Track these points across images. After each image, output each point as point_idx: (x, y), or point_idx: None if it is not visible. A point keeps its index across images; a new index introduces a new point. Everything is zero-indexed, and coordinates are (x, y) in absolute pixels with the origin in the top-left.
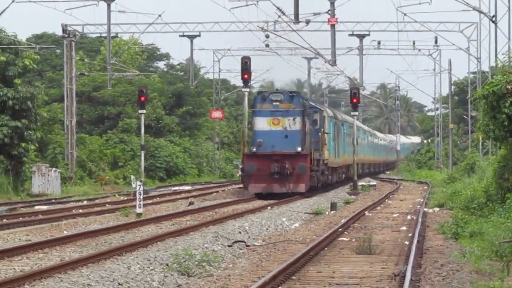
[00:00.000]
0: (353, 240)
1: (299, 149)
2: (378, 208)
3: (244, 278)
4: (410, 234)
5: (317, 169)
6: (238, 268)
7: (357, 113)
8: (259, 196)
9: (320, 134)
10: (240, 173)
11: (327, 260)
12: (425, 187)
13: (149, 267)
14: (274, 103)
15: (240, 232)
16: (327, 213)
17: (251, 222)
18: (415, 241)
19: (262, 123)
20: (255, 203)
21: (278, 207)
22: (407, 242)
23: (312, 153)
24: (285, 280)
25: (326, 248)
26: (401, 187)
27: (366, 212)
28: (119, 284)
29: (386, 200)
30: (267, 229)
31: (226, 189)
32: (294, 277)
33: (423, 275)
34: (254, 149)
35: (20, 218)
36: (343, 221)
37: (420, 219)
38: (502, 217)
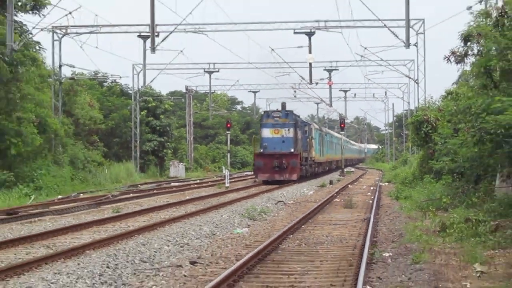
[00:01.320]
0: (342, 200)
1: (292, 150)
2: (355, 183)
3: (283, 220)
4: (373, 197)
5: (305, 164)
6: (280, 216)
7: (343, 132)
8: (265, 182)
9: (308, 140)
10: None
11: (328, 211)
12: (380, 172)
13: (232, 215)
14: (275, 118)
15: (281, 196)
16: (327, 186)
17: (287, 191)
18: (375, 201)
19: (267, 132)
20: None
21: (300, 183)
22: (370, 201)
23: (301, 152)
24: (305, 222)
25: (327, 205)
26: (367, 172)
27: (349, 185)
28: (216, 224)
29: (359, 179)
30: (295, 194)
31: None
32: (310, 220)
33: (380, 219)
34: (262, 150)
35: (163, 190)
36: (336, 190)
37: (378, 189)
38: (422, 188)
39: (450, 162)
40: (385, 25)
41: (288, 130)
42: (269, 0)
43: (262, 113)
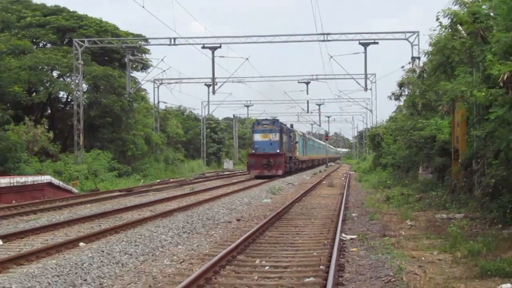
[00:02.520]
0: (326, 182)
1: (278, 150)
2: (334, 172)
3: (292, 194)
4: (345, 180)
5: (290, 162)
6: (290, 191)
7: (327, 141)
8: (257, 177)
9: (292, 143)
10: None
11: (318, 189)
12: (349, 165)
13: (261, 191)
14: (264, 125)
15: (290, 180)
16: (318, 174)
17: (294, 177)
18: (347, 182)
19: (257, 137)
20: (294, 173)
21: (302, 172)
22: (344, 183)
23: (286, 153)
24: (305, 195)
25: (318, 185)
26: (341, 165)
27: (331, 174)
28: (252, 197)
29: (337, 169)
30: (299, 179)
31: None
32: (308, 194)
33: (350, 193)
34: (253, 151)
35: (220, 176)
36: (323, 176)
37: (348, 176)
38: (375, 174)
39: (391, 159)
40: (352, 77)
41: (275, 134)
42: (283, 58)
43: (254, 121)
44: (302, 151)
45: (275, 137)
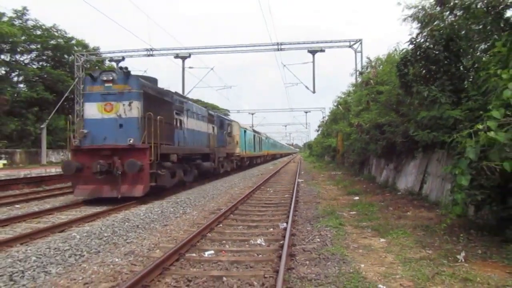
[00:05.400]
0: (292, 161)
1: (132, 141)
2: (295, 158)
3: (280, 165)
4: (299, 161)
5: (232, 159)
6: (280, 165)
7: (292, 145)
8: (87, 202)
9: (224, 134)
10: None
11: (289, 164)
12: (301, 155)
13: (269, 165)
14: (106, 85)
15: (279, 160)
16: (290, 157)
17: (280, 159)
18: (300, 161)
19: (91, 109)
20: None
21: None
22: (299, 161)
23: (158, 143)
24: (284, 166)
25: (289, 162)
26: (298, 155)
27: (294, 158)
28: (266, 166)
29: (296, 157)
30: (282, 160)
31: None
32: (286, 165)
33: (301, 165)
34: (78, 143)
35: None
36: (292, 159)
37: (300, 159)
38: (311, 159)
39: (315, 153)
40: (303, 125)
41: (130, 104)
42: (276, 119)
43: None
44: (254, 148)
45: (132, 110)
